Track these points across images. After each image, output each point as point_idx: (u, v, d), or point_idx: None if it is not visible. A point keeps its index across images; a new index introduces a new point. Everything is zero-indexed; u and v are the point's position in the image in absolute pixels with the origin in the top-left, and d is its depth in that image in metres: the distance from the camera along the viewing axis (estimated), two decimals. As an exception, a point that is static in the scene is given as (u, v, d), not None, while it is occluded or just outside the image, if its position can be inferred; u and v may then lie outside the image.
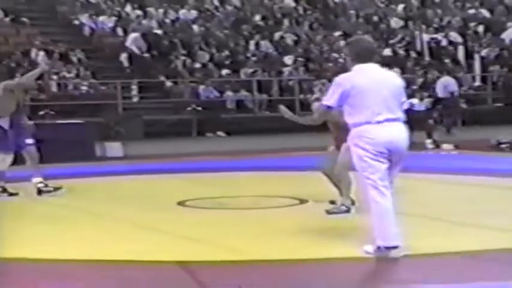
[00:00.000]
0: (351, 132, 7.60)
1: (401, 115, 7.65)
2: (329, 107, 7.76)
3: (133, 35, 26.34)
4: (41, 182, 12.72)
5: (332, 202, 10.44)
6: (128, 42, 26.22)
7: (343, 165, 9.84)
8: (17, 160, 13.00)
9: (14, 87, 13.21)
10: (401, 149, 7.63)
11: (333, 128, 10.31)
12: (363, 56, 7.73)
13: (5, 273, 7.39)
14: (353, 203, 10.20)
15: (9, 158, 12.66)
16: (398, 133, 7.58)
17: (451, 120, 22.99)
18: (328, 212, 10.15)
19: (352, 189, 10.13)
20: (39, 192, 12.65)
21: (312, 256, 7.77)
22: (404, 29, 30.62)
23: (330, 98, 7.66)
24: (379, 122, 7.44)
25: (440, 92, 22.48)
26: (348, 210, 10.11)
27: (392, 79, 7.84)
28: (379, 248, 7.38)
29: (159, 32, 27.35)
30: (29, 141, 12.81)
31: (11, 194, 12.55)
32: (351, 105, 7.55)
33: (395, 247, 7.34)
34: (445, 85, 22.40)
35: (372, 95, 7.49)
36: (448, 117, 22.40)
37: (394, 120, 7.53)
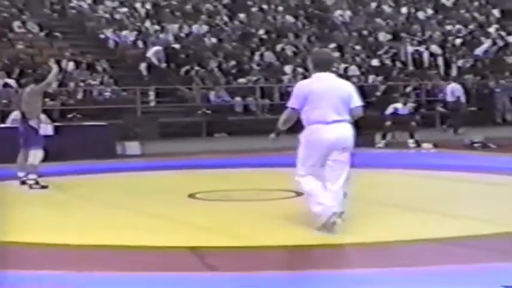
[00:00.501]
0: (305, 129, 8.05)
1: (348, 117, 8.05)
2: (293, 109, 8.08)
3: (155, 48, 26.33)
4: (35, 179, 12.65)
5: None
6: (150, 54, 26.20)
7: None
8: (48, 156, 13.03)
9: (43, 89, 13.31)
10: (346, 145, 8.01)
11: None
12: (320, 66, 8.15)
13: (28, 257, 7.38)
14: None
15: (40, 153, 12.67)
16: (343, 132, 7.99)
17: (458, 121, 22.96)
18: None
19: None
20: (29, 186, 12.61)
21: (308, 242, 7.75)
22: (391, 42, 30.57)
23: (294, 102, 8.05)
24: (327, 123, 7.91)
25: (448, 97, 22.62)
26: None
27: (344, 87, 8.21)
28: (320, 216, 7.91)
29: (176, 46, 27.33)
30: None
31: (43, 187, 12.58)
32: (307, 107, 7.97)
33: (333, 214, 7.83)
34: (453, 91, 22.65)
35: (324, 100, 7.92)
36: (454, 118, 22.37)
37: (340, 121, 7.96)
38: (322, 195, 7.96)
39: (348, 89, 8.18)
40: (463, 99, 23.07)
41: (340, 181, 8.03)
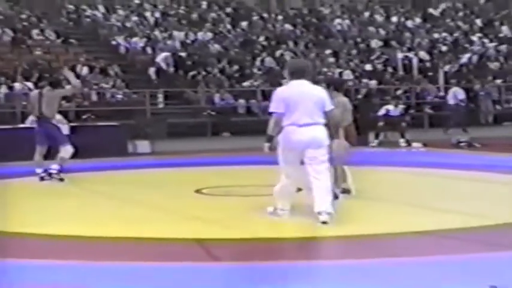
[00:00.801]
0: (283, 130, 8.27)
1: (320, 120, 8.27)
2: (277, 114, 8.28)
3: (164, 54, 26.30)
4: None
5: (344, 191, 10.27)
6: (159, 59, 26.16)
7: (335, 157, 9.92)
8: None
9: (62, 94, 13.50)
10: (318, 145, 8.23)
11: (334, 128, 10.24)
12: (296, 74, 8.42)
13: (41, 247, 7.36)
14: (348, 192, 10.21)
15: (71, 148, 12.86)
16: (316, 133, 8.22)
17: (465, 121, 22.74)
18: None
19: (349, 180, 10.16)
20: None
21: (307, 235, 7.74)
22: (383, 48, 30.54)
23: (277, 107, 8.28)
24: (300, 125, 8.17)
25: (451, 100, 22.50)
26: (336, 197, 10.06)
27: (317, 93, 8.41)
28: (275, 209, 8.54)
29: (182, 52, 27.31)
30: None
31: (61, 179, 12.71)
32: (285, 111, 8.22)
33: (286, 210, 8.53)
34: (455, 94, 22.50)
35: (298, 105, 8.18)
36: (458, 119, 22.11)
37: (313, 124, 8.20)
38: (287, 201, 8.61)
39: (321, 95, 8.40)
40: (464, 102, 22.84)
41: (323, 176, 8.22)
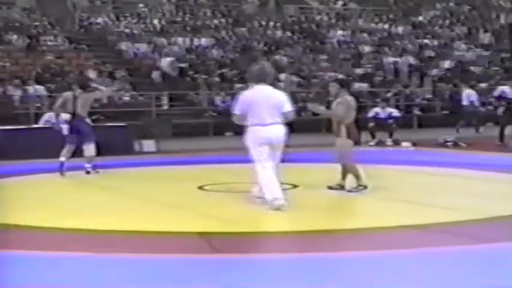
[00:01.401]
0: (248, 130, 8.88)
1: (280, 120, 8.84)
2: (236, 114, 8.97)
3: (169, 59, 26.25)
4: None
5: (330, 187, 10.30)
6: (164, 63, 26.11)
7: (342, 157, 9.91)
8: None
9: (97, 97, 14.14)
10: (279, 142, 8.88)
11: (337, 126, 10.21)
12: (257, 78, 8.93)
13: (52, 240, 7.32)
14: (342, 188, 10.20)
15: (93, 146, 13.42)
16: (276, 131, 8.82)
17: (479, 121, 22.56)
18: (349, 191, 10.09)
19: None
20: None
21: (304, 228, 7.70)
22: (374, 54, 30.52)
23: (238, 108, 8.92)
24: (263, 125, 8.77)
25: (464, 101, 22.26)
26: (365, 187, 10.08)
27: (276, 96, 8.97)
28: (275, 200, 8.64)
29: (186, 56, 27.29)
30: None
31: (87, 172, 13.26)
32: (248, 113, 8.81)
33: (276, 198, 8.64)
34: (468, 96, 22.26)
35: (260, 106, 8.76)
36: (470, 120, 21.87)
37: (274, 123, 8.78)
38: (274, 189, 8.73)
39: (280, 98, 8.95)
40: (477, 103, 22.58)
41: (279, 169, 8.98)
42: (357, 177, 10.11)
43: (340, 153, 10.09)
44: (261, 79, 8.95)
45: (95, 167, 13.38)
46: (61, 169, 12.99)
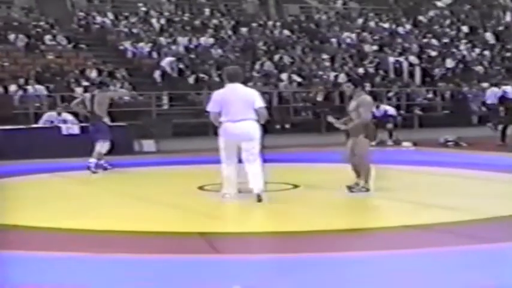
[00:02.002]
0: (221, 125, 9.45)
1: (252, 116, 9.35)
2: (212, 112, 9.52)
3: (169, 59, 26.22)
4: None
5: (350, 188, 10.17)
6: (164, 63, 26.08)
7: (360, 156, 9.91)
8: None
9: (114, 96, 14.63)
10: (250, 137, 9.36)
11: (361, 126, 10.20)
12: (230, 78, 9.52)
13: (56, 241, 7.34)
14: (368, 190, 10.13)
15: (107, 145, 14.01)
16: (247, 127, 9.32)
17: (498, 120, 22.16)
18: (351, 191, 10.06)
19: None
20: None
21: (304, 229, 7.71)
22: (375, 53, 30.51)
23: (212, 107, 9.51)
24: (234, 121, 9.32)
25: (489, 99, 21.98)
26: (367, 190, 10.06)
27: (248, 93, 9.54)
28: (225, 194, 9.54)
29: (186, 56, 27.27)
30: None
31: (94, 172, 13.55)
32: (222, 110, 9.39)
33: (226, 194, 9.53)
34: (494, 93, 21.90)
35: (232, 104, 9.30)
36: (495, 117, 21.44)
37: (244, 119, 9.30)
38: (231, 186, 9.55)
39: (251, 95, 9.50)
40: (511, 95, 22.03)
41: (256, 164, 9.32)
42: (367, 178, 10.08)
43: (358, 153, 10.02)
44: (233, 78, 9.52)
45: (98, 166, 13.64)
46: (101, 167, 13.73)
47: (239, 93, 9.42)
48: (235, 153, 9.47)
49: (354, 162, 10.13)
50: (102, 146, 13.78)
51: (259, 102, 9.42)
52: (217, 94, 9.62)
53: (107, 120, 14.40)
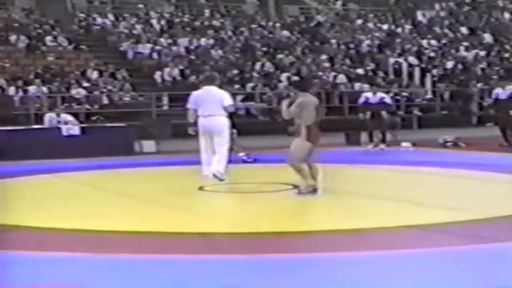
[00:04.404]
0: (198, 120, 11.48)
1: (221, 112, 11.45)
2: (191, 109, 11.66)
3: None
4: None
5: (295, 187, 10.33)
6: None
7: (297, 159, 9.89)
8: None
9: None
10: (218, 129, 11.44)
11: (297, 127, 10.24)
12: (205, 82, 11.93)
13: (58, 241, 7.34)
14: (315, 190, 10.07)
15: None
16: (215, 122, 11.44)
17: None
18: (299, 193, 10.04)
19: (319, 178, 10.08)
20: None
21: (303, 229, 7.72)
22: (374, 54, 30.51)
23: (190, 105, 11.72)
24: (205, 116, 11.44)
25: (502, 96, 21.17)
26: (315, 190, 9.99)
27: (218, 93, 11.59)
28: (205, 175, 11.55)
29: (186, 57, 27.28)
30: None
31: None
32: (198, 108, 11.51)
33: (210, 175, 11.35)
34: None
35: (204, 102, 11.48)
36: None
37: (213, 115, 11.41)
38: (206, 168, 11.49)
39: (221, 95, 11.56)
40: None
41: (220, 152, 11.37)
42: (304, 177, 10.02)
43: (291, 152, 10.02)
44: (208, 82, 11.78)
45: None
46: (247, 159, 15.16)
47: (211, 94, 11.50)
48: (209, 143, 11.45)
49: (307, 163, 10.14)
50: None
51: (228, 101, 11.54)
52: (193, 94, 11.77)
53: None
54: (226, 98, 11.57)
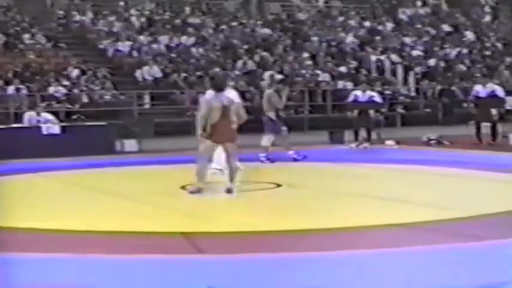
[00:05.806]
0: None
1: None
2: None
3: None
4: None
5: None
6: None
7: (199, 156, 10.44)
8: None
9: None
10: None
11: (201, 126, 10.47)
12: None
13: (34, 241, 7.26)
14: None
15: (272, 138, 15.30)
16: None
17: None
18: (191, 192, 10.27)
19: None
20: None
21: (288, 228, 7.68)
22: (357, 52, 30.55)
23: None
24: None
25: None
26: (199, 191, 10.25)
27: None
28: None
29: (167, 55, 27.19)
30: None
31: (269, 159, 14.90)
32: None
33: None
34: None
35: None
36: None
37: None
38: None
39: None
40: None
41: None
42: (199, 177, 10.20)
43: (198, 152, 10.20)
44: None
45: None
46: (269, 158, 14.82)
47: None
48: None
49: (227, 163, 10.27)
50: (263, 139, 15.00)
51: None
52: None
53: (271, 114, 15.14)
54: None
